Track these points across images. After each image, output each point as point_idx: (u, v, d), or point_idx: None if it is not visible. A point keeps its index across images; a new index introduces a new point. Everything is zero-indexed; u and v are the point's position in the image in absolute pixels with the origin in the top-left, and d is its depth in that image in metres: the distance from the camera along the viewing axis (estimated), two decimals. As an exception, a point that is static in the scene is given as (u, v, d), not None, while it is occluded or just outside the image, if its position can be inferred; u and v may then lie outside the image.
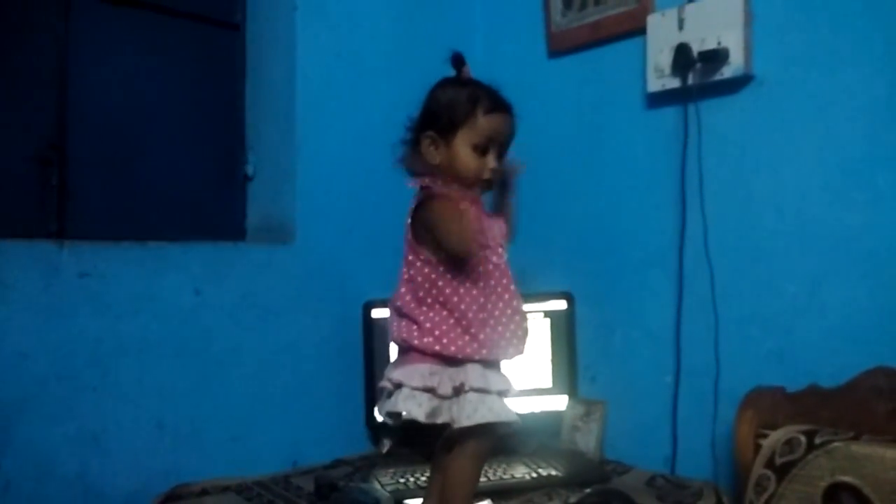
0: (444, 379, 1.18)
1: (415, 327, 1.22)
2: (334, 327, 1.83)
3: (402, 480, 1.54)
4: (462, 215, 1.19)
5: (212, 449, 1.64)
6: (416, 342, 1.20)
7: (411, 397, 1.18)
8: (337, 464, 1.72)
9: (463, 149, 1.23)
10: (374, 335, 1.76)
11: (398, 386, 1.20)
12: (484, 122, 1.23)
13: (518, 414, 1.23)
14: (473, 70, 1.29)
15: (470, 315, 1.21)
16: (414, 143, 1.27)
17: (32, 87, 1.63)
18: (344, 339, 1.82)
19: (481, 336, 1.21)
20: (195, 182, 1.86)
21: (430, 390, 1.17)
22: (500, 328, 1.24)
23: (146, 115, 1.79)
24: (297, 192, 1.81)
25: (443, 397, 1.18)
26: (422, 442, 1.56)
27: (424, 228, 1.22)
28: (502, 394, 1.22)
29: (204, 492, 1.52)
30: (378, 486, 1.51)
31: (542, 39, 1.99)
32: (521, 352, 1.26)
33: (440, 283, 1.21)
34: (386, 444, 1.78)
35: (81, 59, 1.68)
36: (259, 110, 1.92)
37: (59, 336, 1.45)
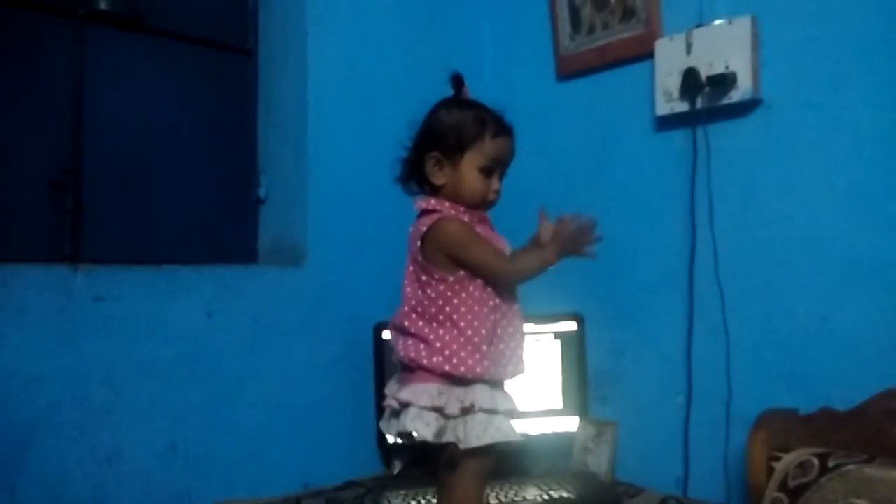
0: (452, 399, 1.18)
1: (422, 346, 1.22)
2: (345, 349, 1.83)
3: (413, 501, 1.54)
4: (481, 240, 1.22)
5: (224, 471, 1.64)
6: (424, 361, 1.21)
7: (419, 416, 1.18)
8: (348, 485, 1.72)
9: (470, 171, 1.25)
10: (384, 356, 1.76)
11: (405, 405, 1.20)
12: (491, 145, 1.25)
13: (523, 433, 1.24)
14: (483, 93, 1.30)
15: (482, 333, 1.22)
16: (415, 162, 1.28)
17: (47, 112, 1.65)
18: (354, 361, 1.82)
19: (490, 355, 1.22)
20: (208, 205, 1.88)
21: (437, 410, 1.18)
22: (506, 347, 1.25)
23: (160, 140, 1.81)
24: (309, 214, 1.83)
25: (449, 417, 1.18)
26: (433, 462, 1.57)
27: (437, 249, 1.23)
28: (508, 414, 1.23)
29: (216, 514, 1.52)
30: (389, 509, 1.51)
31: (551, 63, 2.01)
32: (522, 371, 1.27)
33: (455, 302, 1.22)
34: (397, 466, 1.78)
35: (96, 84, 1.71)
36: (271, 134, 1.94)
37: (73, 359, 1.46)
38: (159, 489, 1.55)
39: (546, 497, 1.57)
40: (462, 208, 1.26)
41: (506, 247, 1.29)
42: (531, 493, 1.58)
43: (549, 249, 1.24)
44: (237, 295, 1.69)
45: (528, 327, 1.27)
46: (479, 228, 1.26)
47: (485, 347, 1.21)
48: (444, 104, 1.29)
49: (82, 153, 1.67)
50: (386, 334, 1.75)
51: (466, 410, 1.18)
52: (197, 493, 1.58)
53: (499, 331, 1.25)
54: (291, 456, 1.75)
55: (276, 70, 1.93)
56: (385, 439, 1.32)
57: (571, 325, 1.84)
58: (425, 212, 1.27)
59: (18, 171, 1.60)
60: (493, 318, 1.24)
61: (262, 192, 1.94)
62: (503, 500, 1.54)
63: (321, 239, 1.83)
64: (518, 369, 1.26)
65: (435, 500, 1.53)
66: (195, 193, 1.86)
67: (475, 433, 1.18)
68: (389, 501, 1.55)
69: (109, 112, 1.73)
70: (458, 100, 1.29)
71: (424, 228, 1.24)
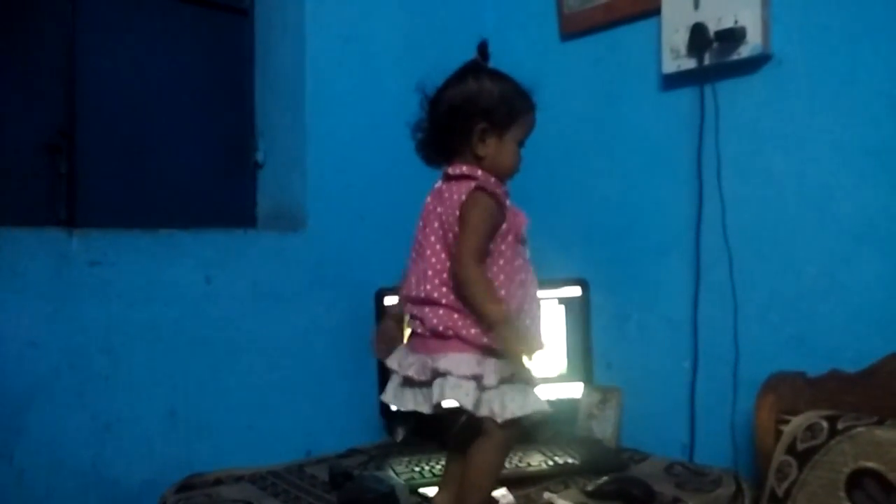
0: (489, 370, 1.16)
1: (457, 316, 1.18)
2: (347, 315, 1.81)
3: (416, 469, 1.53)
4: (488, 231, 1.18)
5: (225, 438, 1.63)
6: (463, 332, 1.17)
7: (458, 386, 1.15)
8: (351, 453, 1.71)
9: (512, 144, 1.24)
10: (386, 323, 1.74)
11: (443, 374, 1.16)
12: (529, 119, 1.26)
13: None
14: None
15: (515, 307, 1.19)
16: (455, 131, 1.22)
17: (40, 75, 1.61)
18: (356, 327, 1.80)
19: (528, 330, 1.21)
20: (205, 169, 1.85)
21: (477, 378, 1.15)
22: (531, 323, 1.23)
23: (155, 102, 1.77)
24: (308, 178, 1.79)
25: (486, 387, 1.16)
26: (436, 430, 1.55)
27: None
28: (537, 384, 1.22)
29: (218, 481, 1.51)
30: (393, 475, 1.50)
31: (555, 21, 1.96)
32: (542, 347, 1.23)
33: (487, 275, 1.19)
34: (400, 433, 1.78)
35: (89, 45, 1.67)
36: (268, 97, 1.91)
37: (70, 325, 1.44)
38: (159, 456, 1.54)
39: (551, 463, 1.55)
40: (493, 179, 1.22)
41: (525, 222, 1.26)
42: (536, 459, 1.57)
43: (504, 323, 1.15)
44: (236, 260, 1.66)
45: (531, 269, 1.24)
46: (507, 202, 1.23)
47: (519, 321, 1.19)
48: (479, 73, 1.23)
49: (76, 116, 1.64)
50: (388, 300, 1.74)
51: (504, 381, 1.17)
52: (198, 460, 1.57)
53: (525, 306, 1.22)
54: (293, 423, 1.73)
55: (273, 30, 1.89)
56: (388, 406, 1.29)
57: (576, 291, 1.81)
58: (456, 177, 1.22)
59: (11, 134, 1.57)
60: (520, 292, 1.22)
61: (259, 156, 1.90)
62: (508, 466, 1.52)
63: (321, 203, 1.80)
64: (539, 344, 1.23)
65: (439, 467, 1.51)
66: (192, 157, 1.83)
67: (517, 403, 1.16)
68: (393, 468, 1.54)
69: (103, 73, 1.69)
70: (490, 69, 1.25)
71: (465, 197, 1.19)
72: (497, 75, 1.24)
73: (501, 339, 1.15)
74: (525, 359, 1.19)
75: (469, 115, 1.21)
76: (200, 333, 1.60)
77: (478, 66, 1.25)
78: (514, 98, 1.23)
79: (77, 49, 1.65)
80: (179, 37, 1.82)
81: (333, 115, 1.83)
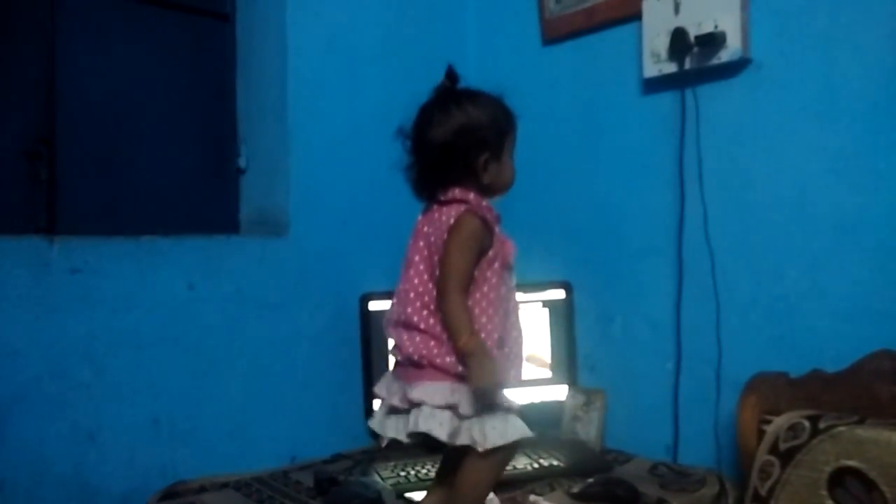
0: (464, 399, 1.15)
1: (432, 343, 1.17)
2: (331, 320, 1.81)
3: (402, 473, 1.53)
4: (473, 257, 1.17)
5: (209, 445, 1.62)
6: (437, 360, 1.16)
7: (432, 416, 1.15)
8: (336, 458, 1.71)
9: (507, 161, 1.25)
10: (371, 328, 1.74)
11: (417, 405, 1.16)
12: (514, 132, 1.26)
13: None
14: (467, 60, 1.27)
15: (494, 337, 1.19)
16: (456, 165, 1.20)
17: (20, 81, 1.60)
18: (341, 332, 1.80)
19: (503, 357, 1.20)
20: (187, 175, 1.84)
21: (452, 408, 1.15)
22: (511, 351, 1.22)
23: (136, 108, 1.76)
24: (291, 184, 1.78)
25: (463, 417, 1.15)
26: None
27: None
28: (517, 411, 1.20)
29: (202, 488, 1.50)
30: (379, 480, 1.49)
31: (536, 26, 1.97)
32: (520, 378, 1.24)
33: (468, 303, 1.18)
34: (385, 439, 1.78)
35: (69, 51, 1.65)
36: (251, 102, 1.90)
37: (51, 333, 1.42)
38: (143, 464, 1.53)
39: (536, 465, 1.56)
40: (485, 202, 1.22)
41: (513, 250, 1.24)
42: (521, 461, 1.57)
43: (474, 356, 1.14)
44: (219, 266, 1.65)
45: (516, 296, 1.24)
46: (497, 229, 1.22)
47: (496, 351, 1.18)
48: (458, 100, 1.21)
49: (56, 122, 1.62)
50: (372, 305, 1.74)
51: (485, 409, 1.15)
52: (181, 467, 1.56)
53: (507, 335, 1.22)
54: (278, 429, 1.72)
55: (255, 36, 1.88)
56: (373, 411, 1.29)
57: (559, 293, 1.82)
58: (447, 202, 1.21)
59: (-10, 140, 1.55)
60: (503, 321, 1.21)
61: (242, 162, 1.89)
62: (493, 468, 1.52)
63: (304, 209, 1.79)
64: (519, 374, 1.23)
65: (424, 472, 1.52)
66: (173, 162, 1.81)
67: (497, 431, 1.15)
68: (378, 473, 1.54)
69: (83, 79, 1.68)
70: (465, 92, 1.23)
71: (453, 221, 1.18)
72: (476, 98, 1.22)
73: (471, 371, 1.13)
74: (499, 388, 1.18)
75: (465, 148, 1.19)
76: (184, 340, 1.59)
77: (453, 93, 1.23)
78: (500, 118, 1.23)
79: (57, 55, 1.63)
80: (160, 42, 1.81)
81: (316, 120, 1.82)
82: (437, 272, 1.18)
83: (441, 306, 1.17)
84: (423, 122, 1.22)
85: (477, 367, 1.13)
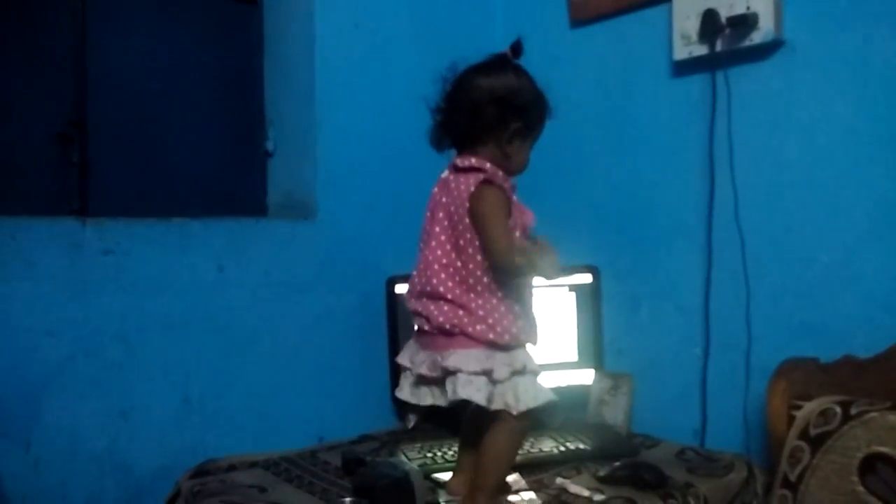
0: (498, 363, 1.17)
1: (462, 313, 1.19)
2: (358, 303, 1.82)
3: (429, 455, 1.53)
4: (507, 220, 1.18)
5: (239, 425, 1.64)
6: (469, 329, 1.18)
7: (469, 383, 1.16)
8: (363, 439, 1.72)
9: (528, 147, 1.25)
10: (397, 310, 1.74)
11: (453, 373, 1.17)
12: (543, 125, 1.26)
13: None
14: (494, 42, 1.26)
15: (523, 301, 1.22)
16: (491, 121, 1.20)
17: (51, 65, 1.62)
18: (368, 315, 1.81)
19: (530, 321, 1.22)
20: (216, 158, 1.85)
21: (487, 373, 1.16)
22: (531, 313, 1.25)
23: (165, 92, 1.78)
24: (318, 167, 1.79)
25: (497, 381, 1.17)
26: (447, 416, 1.56)
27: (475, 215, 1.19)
28: (541, 375, 1.23)
29: (231, 467, 1.52)
30: (406, 460, 1.50)
31: (564, 8, 1.95)
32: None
33: (488, 266, 1.19)
34: (411, 420, 1.79)
35: (99, 35, 1.67)
36: (278, 85, 1.90)
37: (85, 313, 1.45)
38: (173, 443, 1.55)
39: (563, 449, 1.56)
40: (501, 173, 1.21)
41: (532, 221, 1.25)
42: (548, 445, 1.57)
43: (551, 267, 1.16)
44: (248, 249, 1.67)
45: (542, 280, 1.24)
46: (514, 197, 1.24)
47: (524, 315, 1.21)
48: (517, 69, 1.22)
49: (87, 106, 1.64)
50: (398, 288, 1.74)
51: (516, 373, 1.17)
52: (211, 446, 1.58)
53: (526, 298, 1.24)
54: (305, 410, 1.74)
55: (283, 19, 1.88)
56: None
57: (587, 278, 1.81)
58: (464, 169, 1.21)
59: (23, 124, 1.58)
60: (524, 286, 1.24)
61: (270, 145, 1.91)
62: (520, 452, 1.52)
63: (332, 192, 1.80)
64: (538, 334, 1.25)
65: (451, 453, 1.52)
66: (202, 145, 1.83)
67: (530, 394, 1.17)
68: (405, 454, 1.54)
69: (114, 63, 1.69)
70: (521, 67, 1.23)
71: (473, 189, 1.18)
72: (529, 76, 1.23)
73: (544, 271, 1.14)
74: (530, 349, 1.21)
75: (507, 108, 1.19)
76: (213, 321, 1.61)
77: (513, 63, 1.23)
78: (543, 104, 1.23)
79: (88, 39, 1.65)
80: (190, 26, 1.82)
81: (343, 103, 1.82)
82: (461, 242, 1.19)
83: (510, 273, 1.18)
84: (476, 70, 1.22)
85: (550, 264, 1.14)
